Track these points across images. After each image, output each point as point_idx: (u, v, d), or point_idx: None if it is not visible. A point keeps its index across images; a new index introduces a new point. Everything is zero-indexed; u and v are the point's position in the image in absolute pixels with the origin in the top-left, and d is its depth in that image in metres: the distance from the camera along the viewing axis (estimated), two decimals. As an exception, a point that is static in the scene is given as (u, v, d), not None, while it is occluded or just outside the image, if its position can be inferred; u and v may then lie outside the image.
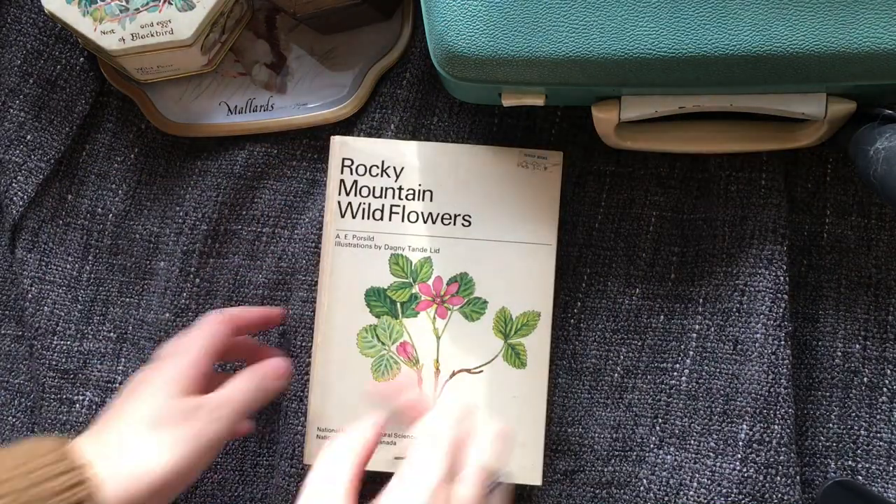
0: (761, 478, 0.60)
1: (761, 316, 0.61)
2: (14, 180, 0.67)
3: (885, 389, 0.63)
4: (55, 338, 0.67)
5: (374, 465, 0.55)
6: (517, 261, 0.63)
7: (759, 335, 0.61)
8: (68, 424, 0.66)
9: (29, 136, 0.68)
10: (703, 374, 0.63)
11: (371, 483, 0.50)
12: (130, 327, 0.67)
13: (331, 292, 0.63)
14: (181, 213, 0.67)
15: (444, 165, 0.63)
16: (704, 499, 0.61)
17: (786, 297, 0.61)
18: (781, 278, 0.61)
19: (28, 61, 0.68)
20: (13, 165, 0.67)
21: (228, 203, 0.67)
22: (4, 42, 0.68)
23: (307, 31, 0.67)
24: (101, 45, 0.61)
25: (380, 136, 0.66)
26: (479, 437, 0.51)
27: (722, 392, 0.62)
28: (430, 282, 0.63)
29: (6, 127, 0.68)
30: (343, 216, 0.63)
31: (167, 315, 0.66)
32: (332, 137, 0.64)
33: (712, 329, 0.63)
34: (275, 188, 0.67)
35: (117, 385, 0.67)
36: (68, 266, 0.68)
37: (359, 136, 0.67)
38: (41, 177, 0.67)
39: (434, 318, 0.63)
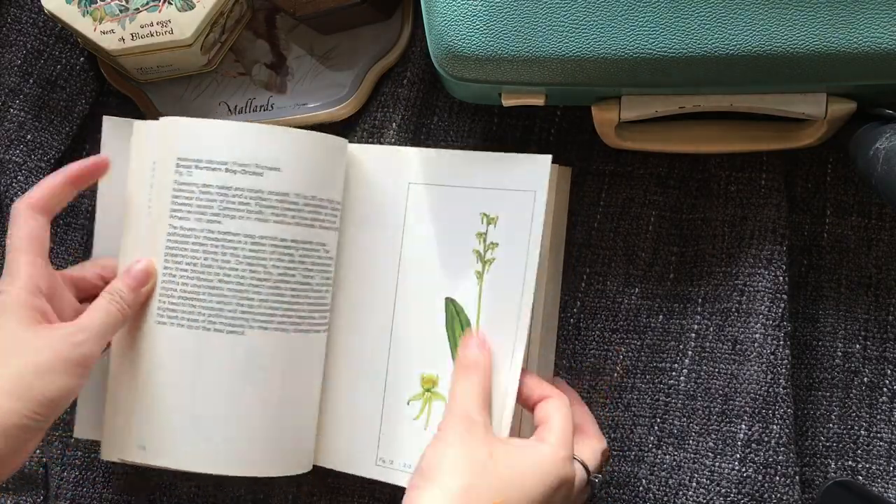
0: (760, 478, 0.60)
1: (760, 316, 0.61)
2: (14, 180, 0.67)
3: (885, 389, 0.63)
4: (55, 337, 0.67)
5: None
6: None
7: (758, 335, 0.61)
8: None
9: (29, 136, 0.68)
10: (702, 373, 0.63)
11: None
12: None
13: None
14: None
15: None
16: (703, 499, 0.61)
17: (785, 297, 0.61)
18: (781, 278, 0.61)
19: (28, 61, 0.68)
20: (13, 165, 0.67)
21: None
22: (5, 42, 0.69)
23: (307, 31, 0.67)
24: (101, 45, 0.61)
25: (381, 136, 0.66)
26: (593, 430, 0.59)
27: (721, 392, 0.62)
28: None
29: (6, 127, 0.68)
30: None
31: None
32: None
33: (711, 329, 0.63)
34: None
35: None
36: (69, 266, 0.68)
37: (361, 135, 0.67)
38: (41, 176, 0.68)
39: None
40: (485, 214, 0.59)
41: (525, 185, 0.58)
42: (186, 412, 0.58)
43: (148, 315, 0.58)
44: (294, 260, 0.58)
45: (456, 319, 0.60)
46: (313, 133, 0.59)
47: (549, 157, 0.57)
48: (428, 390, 0.60)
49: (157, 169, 0.59)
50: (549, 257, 0.61)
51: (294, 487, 0.65)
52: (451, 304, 0.60)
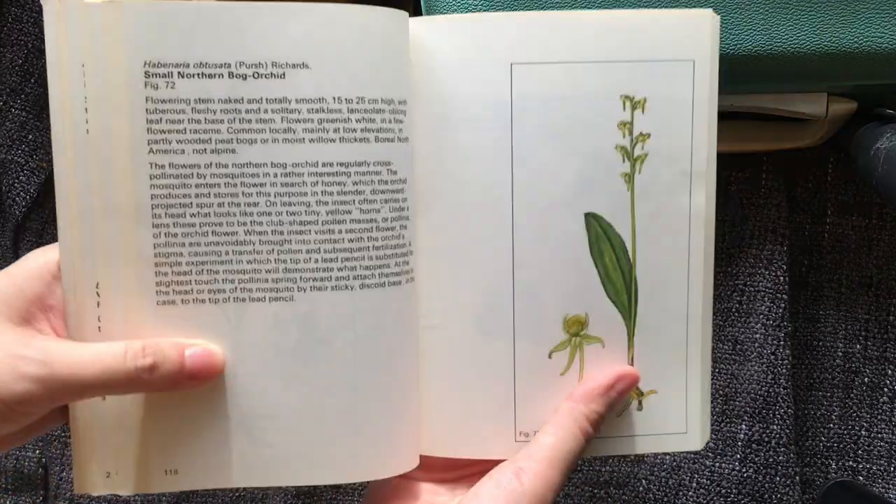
0: (760, 478, 0.60)
1: (761, 316, 0.61)
2: (17, 180, 0.67)
3: (885, 390, 0.63)
4: (56, 337, 0.66)
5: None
6: None
7: (758, 335, 0.61)
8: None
9: (31, 136, 0.68)
10: (703, 374, 0.63)
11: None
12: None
13: None
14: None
15: None
16: (703, 499, 0.61)
17: (785, 297, 0.61)
18: (781, 278, 0.61)
19: (29, 60, 0.68)
20: (15, 165, 0.67)
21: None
22: (6, 41, 0.69)
23: (308, 30, 0.67)
24: (102, 45, 0.61)
25: None
26: None
27: (721, 392, 0.62)
28: None
29: (8, 127, 0.68)
30: None
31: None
32: None
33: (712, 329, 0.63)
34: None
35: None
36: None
37: None
38: (43, 177, 0.68)
39: None
40: (627, 97, 0.46)
41: (679, 52, 0.45)
42: (229, 416, 0.44)
43: (143, 296, 0.43)
44: (346, 190, 0.43)
45: (604, 240, 0.46)
46: (351, 7, 0.43)
47: (710, 11, 0.45)
48: (576, 334, 0.47)
49: (109, 81, 0.42)
50: None
51: (293, 487, 0.65)
52: (593, 220, 0.46)
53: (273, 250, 0.43)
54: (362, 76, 0.43)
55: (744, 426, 0.60)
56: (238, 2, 0.42)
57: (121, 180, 0.42)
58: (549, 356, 0.47)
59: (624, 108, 0.45)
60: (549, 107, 0.45)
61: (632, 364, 0.47)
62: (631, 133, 0.45)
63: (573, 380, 0.47)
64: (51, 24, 0.41)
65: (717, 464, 0.61)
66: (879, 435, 0.63)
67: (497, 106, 0.45)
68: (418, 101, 0.45)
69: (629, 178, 0.46)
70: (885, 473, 0.62)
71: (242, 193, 0.42)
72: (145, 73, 0.41)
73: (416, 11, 0.66)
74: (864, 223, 0.64)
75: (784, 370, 0.60)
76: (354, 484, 0.64)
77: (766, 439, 0.60)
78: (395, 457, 0.46)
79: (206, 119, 0.42)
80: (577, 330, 0.47)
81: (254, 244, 0.43)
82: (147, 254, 0.42)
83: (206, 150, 0.42)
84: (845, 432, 0.63)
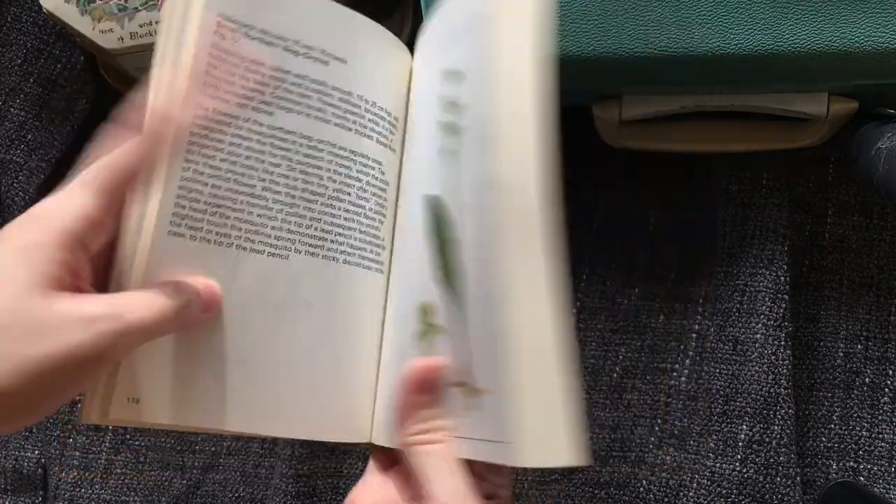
0: (761, 478, 0.60)
1: (761, 316, 0.61)
2: (15, 180, 0.67)
3: (886, 390, 0.63)
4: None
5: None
6: None
7: (759, 335, 0.61)
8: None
9: (30, 136, 0.68)
10: (703, 374, 0.63)
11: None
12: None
13: None
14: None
15: None
16: (704, 500, 0.61)
17: (786, 297, 0.61)
18: (782, 278, 0.61)
19: (28, 60, 0.68)
20: (14, 165, 0.67)
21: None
22: (5, 41, 0.69)
23: (307, 30, 0.67)
24: (100, 44, 0.61)
25: None
26: None
27: (722, 392, 0.62)
28: None
29: (7, 126, 0.68)
30: None
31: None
32: None
33: (712, 329, 0.63)
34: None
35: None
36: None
37: None
38: (42, 177, 0.68)
39: None
40: (450, 73, 0.46)
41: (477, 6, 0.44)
42: (202, 354, 0.44)
43: (155, 223, 0.42)
44: (351, 175, 0.47)
45: (443, 221, 0.44)
46: (384, 30, 0.50)
47: None
48: (428, 323, 0.45)
49: (185, 19, 0.44)
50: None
51: (293, 489, 0.65)
52: (429, 202, 0.45)
53: (282, 210, 0.45)
54: (377, 85, 0.49)
55: (744, 426, 0.60)
56: None
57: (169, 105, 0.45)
58: (414, 347, 0.45)
59: (446, 83, 0.46)
60: (428, 104, 0.48)
61: (470, 357, 0.42)
62: (456, 109, 0.44)
63: None
64: None
65: (718, 464, 0.61)
66: (880, 435, 0.63)
67: (421, 113, 0.49)
68: (411, 122, 0.50)
69: (454, 155, 0.44)
70: (886, 474, 0.62)
71: (269, 153, 0.45)
72: (217, 23, 0.44)
73: (416, 11, 0.67)
74: (865, 223, 0.64)
75: (785, 370, 0.60)
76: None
77: (767, 440, 0.60)
78: (344, 425, 0.47)
79: (254, 79, 0.45)
80: (426, 318, 0.45)
81: (267, 200, 0.45)
82: (173, 185, 0.43)
83: (248, 105, 0.45)
84: (846, 433, 0.63)
